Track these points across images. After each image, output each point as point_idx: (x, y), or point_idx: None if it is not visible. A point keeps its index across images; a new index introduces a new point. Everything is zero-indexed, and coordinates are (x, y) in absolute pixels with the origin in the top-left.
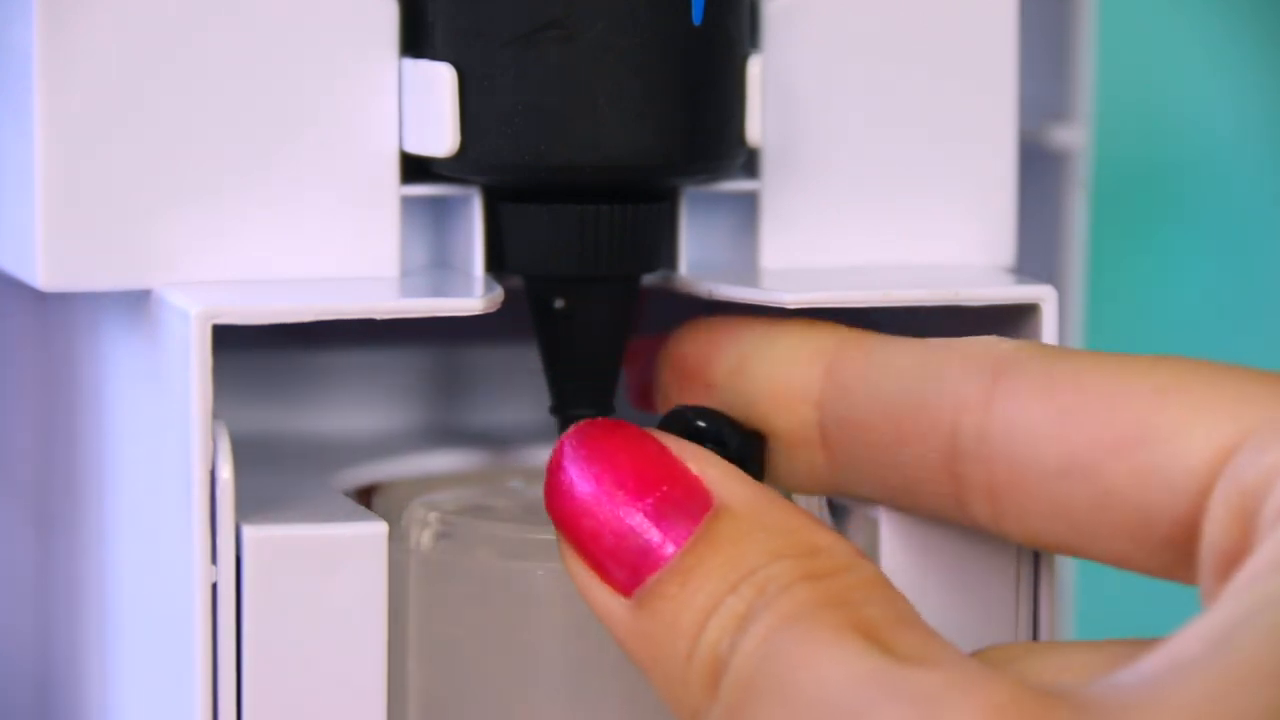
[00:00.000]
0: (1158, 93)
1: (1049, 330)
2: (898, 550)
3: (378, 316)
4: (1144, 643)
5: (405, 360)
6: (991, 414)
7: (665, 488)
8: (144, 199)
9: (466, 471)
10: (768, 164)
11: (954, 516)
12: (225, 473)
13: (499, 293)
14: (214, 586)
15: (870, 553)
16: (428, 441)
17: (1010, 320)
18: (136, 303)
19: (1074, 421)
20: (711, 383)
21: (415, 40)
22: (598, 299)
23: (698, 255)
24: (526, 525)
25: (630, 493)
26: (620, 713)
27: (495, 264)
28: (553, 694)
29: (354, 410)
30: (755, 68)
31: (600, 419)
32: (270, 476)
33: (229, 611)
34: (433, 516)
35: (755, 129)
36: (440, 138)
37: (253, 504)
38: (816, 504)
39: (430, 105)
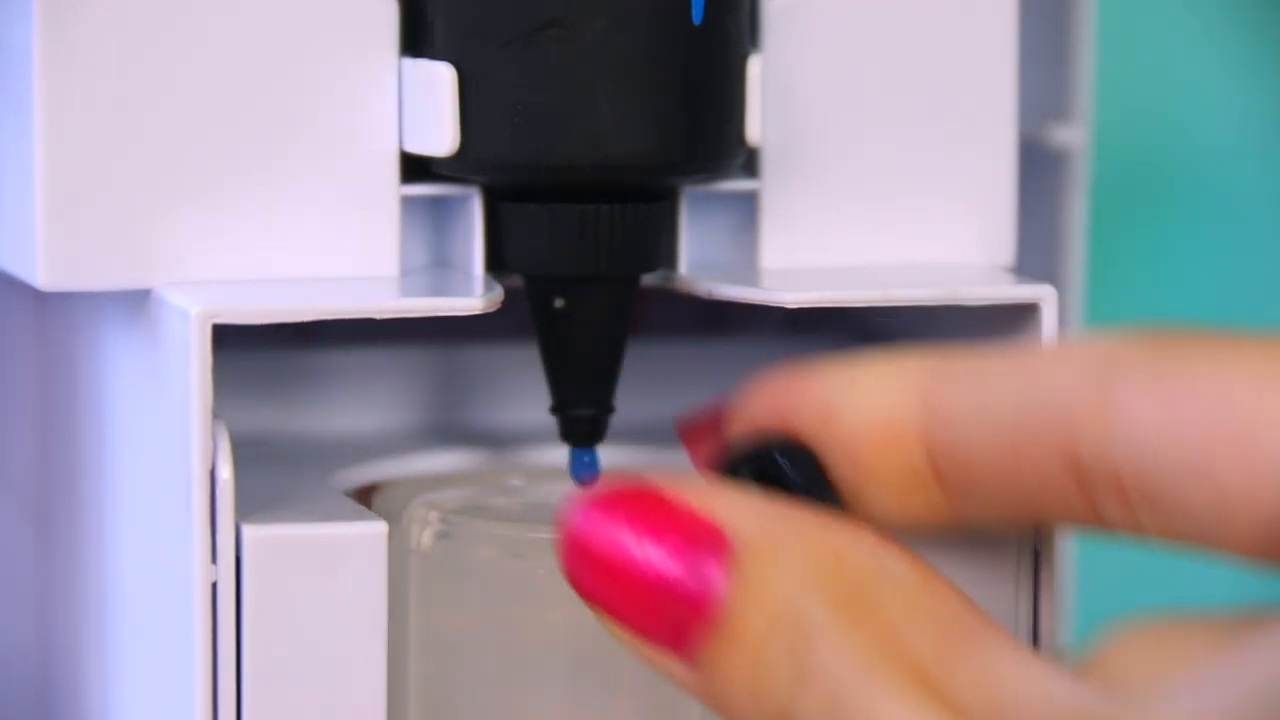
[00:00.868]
0: (1158, 93)
1: (1049, 330)
2: None
3: (378, 316)
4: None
5: (405, 360)
6: (1109, 420)
7: (674, 538)
8: (144, 199)
9: (467, 471)
10: (768, 164)
11: (1089, 523)
12: (225, 472)
13: (499, 292)
14: (214, 586)
15: None
16: (428, 441)
17: (1010, 320)
18: (136, 302)
19: (1186, 421)
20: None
21: (415, 40)
22: (598, 299)
23: (698, 255)
24: (526, 525)
25: (641, 556)
26: (620, 712)
27: (495, 264)
28: (553, 693)
29: (354, 410)
30: (755, 67)
31: (585, 498)
32: (270, 476)
33: (229, 611)
34: (433, 516)
35: (755, 129)
36: (440, 137)
37: (253, 504)
38: None
39: (430, 105)
